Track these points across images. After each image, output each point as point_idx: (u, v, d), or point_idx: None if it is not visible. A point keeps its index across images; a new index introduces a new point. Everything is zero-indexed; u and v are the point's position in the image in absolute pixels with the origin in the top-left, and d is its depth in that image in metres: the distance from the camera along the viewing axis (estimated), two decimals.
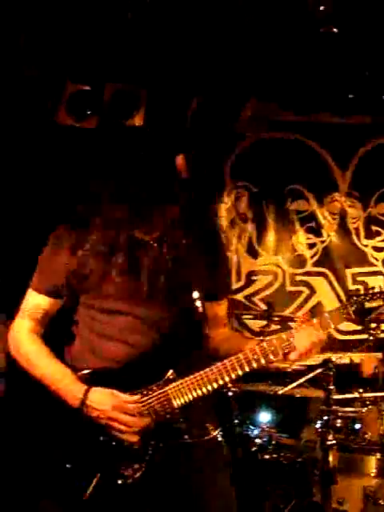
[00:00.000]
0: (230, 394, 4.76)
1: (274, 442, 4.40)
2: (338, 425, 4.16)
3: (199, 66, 5.15)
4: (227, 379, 2.52)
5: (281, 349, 2.54)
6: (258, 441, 4.49)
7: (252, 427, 4.70)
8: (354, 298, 2.62)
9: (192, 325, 2.61)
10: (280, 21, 4.82)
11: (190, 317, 2.60)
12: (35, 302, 2.67)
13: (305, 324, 2.56)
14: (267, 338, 2.58)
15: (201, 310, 2.60)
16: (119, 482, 2.46)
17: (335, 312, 2.58)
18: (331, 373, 3.93)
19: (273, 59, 5.27)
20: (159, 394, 2.50)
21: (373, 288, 2.69)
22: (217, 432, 2.64)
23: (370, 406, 4.25)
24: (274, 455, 4.38)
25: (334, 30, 4.65)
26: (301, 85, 5.67)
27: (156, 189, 2.54)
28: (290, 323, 2.65)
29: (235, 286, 6.24)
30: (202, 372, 2.51)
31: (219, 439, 2.66)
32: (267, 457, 4.38)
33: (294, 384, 4.47)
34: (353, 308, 2.60)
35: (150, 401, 2.49)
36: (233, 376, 2.52)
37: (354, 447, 4.13)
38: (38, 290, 2.66)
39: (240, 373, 2.52)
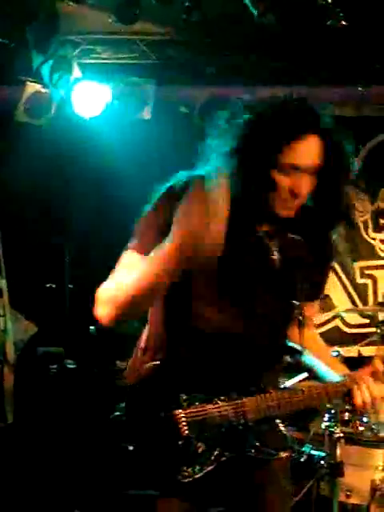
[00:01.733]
0: None
1: None
2: (346, 418, 4.16)
3: None
4: (310, 406, 2.46)
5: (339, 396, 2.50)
6: None
7: None
8: None
9: (286, 334, 2.53)
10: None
11: (288, 325, 2.51)
12: (133, 262, 2.32)
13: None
14: (362, 375, 2.53)
15: (300, 322, 2.48)
16: (178, 477, 2.36)
17: None
18: None
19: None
20: (237, 403, 2.38)
21: None
22: (286, 454, 2.51)
23: None
24: None
25: (343, 23, 4.64)
26: (309, 75, 5.66)
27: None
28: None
29: None
30: (286, 393, 2.42)
31: (287, 462, 2.55)
32: None
33: (301, 376, 4.47)
34: None
35: (225, 407, 2.37)
36: (316, 404, 2.49)
37: (361, 440, 4.13)
38: (139, 251, 2.33)
39: (323, 402, 2.52)
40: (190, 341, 2.39)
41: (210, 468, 2.36)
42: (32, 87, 5.36)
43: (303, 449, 4.32)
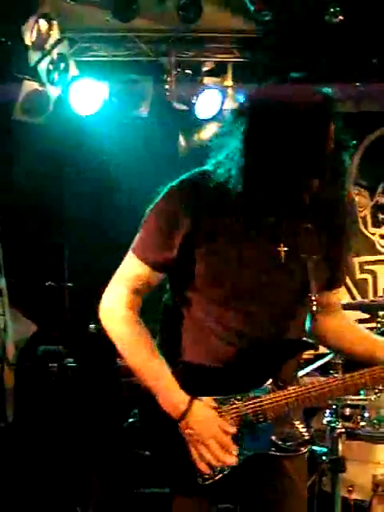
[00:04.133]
0: None
1: None
2: (348, 413, 4.16)
3: None
4: (330, 400, 2.48)
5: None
6: None
7: None
8: None
9: (302, 329, 2.46)
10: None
11: (302, 320, 2.45)
12: (137, 271, 2.34)
13: None
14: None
15: (314, 314, 2.39)
16: (199, 480, 2.30)
17: None
18: (340, 361, 3.92)
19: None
20: (255, 402, 2.31)
21: None
22: (306, 449, 2.45)
23: (379, 394, 4.24)
24: None
25: (340, 17, 4.63)
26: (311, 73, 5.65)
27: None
28: None
29: None
30: (304, 387, 2.34)
31: (306, 454, 2.48)
32: None
33: (303, 372, 4.47)
34: None
35: (243, 408, 2.31)
36: (337, 396, 2.45)
37: (363, 435, 4.13)
38: (144, 259, 2.33)
39: (343, 394, 2.41)
40: (202, 343, 2.35)
41: (230, 469, 2.31)
42: (29, 85, 5.35)
43: None
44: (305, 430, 2.44)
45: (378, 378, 2.38)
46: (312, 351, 2.47)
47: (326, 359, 4.13)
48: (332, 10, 4.64)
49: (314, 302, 2.37)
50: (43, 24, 4.98)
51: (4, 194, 5.26)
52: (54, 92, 5.47)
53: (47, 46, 5.13)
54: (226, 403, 2.31)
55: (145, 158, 5.72)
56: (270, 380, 2.34)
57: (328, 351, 3.99)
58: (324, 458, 4.09)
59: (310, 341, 2.46)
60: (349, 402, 4.11)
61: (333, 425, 3.81)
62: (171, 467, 2.34)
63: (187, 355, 2.36)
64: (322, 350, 4.35)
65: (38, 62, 5.20)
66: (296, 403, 2.32)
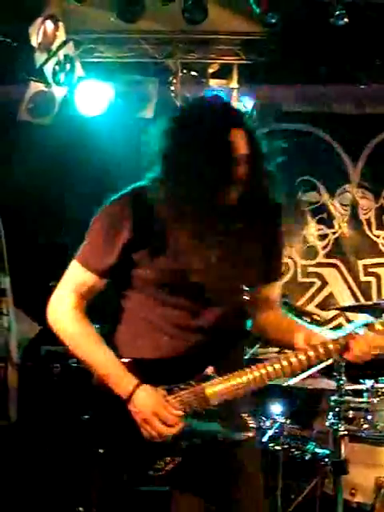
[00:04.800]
0: None
1: (285, 433, 4.40)
2: (350, 415, 4.16)
3: None
4: (267, 381, 2.47)
5: (335, 351, 2.46)
6: (269, 432, 4.49)
7: (264, 418, 4.71)
8: None
9: (240, 318, 2.60)
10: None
11: (239, 310, 2.57)
12: (81, 278, 2.54)
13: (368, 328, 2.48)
14: (323, 341, 2.48)
15: (248, 304, 2.56)
16: (150, 472, 2.44)
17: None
18: (343, 363, 3.92)
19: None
20: (197, 389, 2.45)
21: None
22: (254, 433, 2.55)
23: (382, 397, 4.24)
24: (286, 446, 4.38)
25: (346, 20, 4.64)
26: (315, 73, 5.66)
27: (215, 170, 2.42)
28: (351, 328, 2.54)
29: None
30: (242, 371, 2.46)
31: (255, 440, 2.61)
32: (278, 447, 4.38)
33: (306, 374, 4.47)
34: None
35: (187, 395, 2.45)
36: (274, 377, 2.46)
37: (365, 438, 4.13)
38: (85, 265, 2.53)
39: (281, 374, 2.46)
40: (146, 337, 2.52)
41: (180, 458, 2.44)
42: (35, 86, 5.37)
43: (307, 447, 4.32)
44: (250, 417, 2.54)
45: (313, 358, 2.46)
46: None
47: (329, 362, 4.13)
48: (337, 12, 4.64)
49: (249, 297, 2.56)
50: (49, 25, 4.99)
51: (8, 194, 5.27)
52: (59, 93, 5.48)
53: (53, 48, 5.14)
54: (170, 393, 2.46)
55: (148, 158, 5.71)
56: (211, 368, 2.46)
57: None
58: (326, 460, 4.09)
59: (248, 329, 2.62)
60: (352, 404, 4.12)
61: (336, 427, 3.81)
62: (125, 461, 2.47)
63: (133, 350, 2.52)
64: None
65: (44, 63, 5.21)
66: (237, 388, 2.44)
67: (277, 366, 2.45)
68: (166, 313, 2.51)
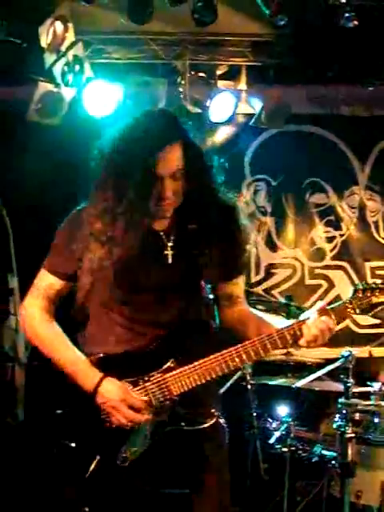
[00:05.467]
0: (249, 386, 4.77)
1: (292, 435, 4.40)
2: (357, 418, 4.16)
3: None
4: (226, 369, 2.62)
5: (290, 336, 2.62)
6: (276, 434, 4.50)
7: (271, 420, 4.71)
8: (360, 293, 2.66)
9: (199, 312, 2.75)
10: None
11: (198, 305, 2.73)
12: (48, 281, 2.79)
13: (317, 313, 2.63)
14: (279, 327, 2.66)
15: (209, 297, 2.73)
16: (118, 462, 2.62)
17: (341, 306, 2.66)
18: (350, 366, 3.92)
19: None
20: (159, 381, 2.63)
21: (377, 283, 2.69)
22: (215, 420, 2.73)
23: None
24: (293, 448, 4.38)
25: (355, 22, 4.63)
26: (323, 75, 5.66)
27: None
28: (304, 314, 2.69)
29: (254, 279, 6.25)
30: (201, 361, 2.61)
31: (219, 425, 2.76)
32: (285, 450, 4.38)
33: (313, 377, 4.47)
34: (359, 303, 2.66)
35: (150, 387, 2.63)
36: (232, 365, 2.62)
37: (372, 440, 4.12)
38: (51, 271, 2.78)
39: (239, 363, 2.62)
40: (110, 334, 2.71)
41: (146, 447, 2.62)
42: (44, 87, 5.38)
43: (314, 449, 4.32)
44: (213, 406, 2.74)
45: (268, 345, 2.62)
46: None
47: (337, 364, 4.13)
48: (347, 14, 4.63)
49: (207, 289, 2.72)
50: (59, 26, 5.00)
51: (16, 194, 5.28)
52: (68, 94, 5.49)
53: (62, 48, 5.15)
54: (135, 385, 2.65)
55: None
56: (172, 359, 2.64)
57: (338, 356, 4.01)
58: (333, 462, 4.09)
59: (208, 321, 2.76)
60: (359, 407, 4.11)
61: (343, 430, 3.82)
62: (93, 451, 2.66)
63: (99, 346, 2.72)
64: (332, 354, 4.39)
65: (53, 63, 5.22)
66: (197, 376, 2.61)
67: (235, 356, 2.61)
68: (121, 309, 2.70)
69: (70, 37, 5.15)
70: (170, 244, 2.72)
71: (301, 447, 4.39)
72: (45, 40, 5.00)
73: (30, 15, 4.88)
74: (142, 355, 2.67)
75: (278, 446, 4.43)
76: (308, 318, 2.63)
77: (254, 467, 4.80)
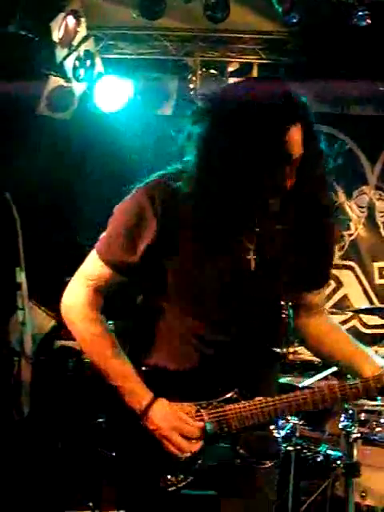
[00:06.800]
0: None
1: (297, 434, 4.39)
2: (363, 418, 4.14)
3: None
4: (295, 412, 2.33)
5: (375, 389, 2.28)
6: (281, 432, 4.48)
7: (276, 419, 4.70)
8: None
9: (274, 339, 2.35)
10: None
11: (275, 327, 2.33)
12: (99, 272, 2.29)
13: None
14: (367, 376, 2.30)
15: (285, 322, 2.32)
16: (162, 485, 2.28)
17: None
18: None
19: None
20: (219, 411, 2.26)
21: None
22: (272, 463, 2.37)
23: None
24: (298, 447, 4.37)
25: (368, 20, 4.62)
26: (334, 74, 5.64)
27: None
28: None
29: None
30: (270, 398, 2.26)
31: (272, 470, 2.41)
32: (290, 449, 4.37)
33: (320, 376, 4.46)
34: None
35: (208, 417, 2.26)
36: (303, 410, 2.28)
37: (378, 441, 4.11)
38: (105, 260, 2.28)
39: (311, 408, 2.27)
40: (169, 348, 2.31)
41: (193, 477, 2.28)
42: (55, 81, 5.38)
43: (320, 448, 4.31)
44: (273, 443, 2.41)
45: (348, 394, 2.27)
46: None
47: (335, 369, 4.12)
48: (360, 13, 4.62)
49: (287, 306, 2.31)
50: (71, 21, 5.00)
51: (25, 189, 5.28)
52: (79, 88, 5.49)
53: (74, 43, 5.15)
54: (188, 412, 2.27)
55: (168, 156, 5.72)
56: (236, 389, 2.28)
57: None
58: (338, 462, 4.08)
59: (279, 351, 2.36)
60: (365, 407, 4.10)
61: (348, 430, 3.80)
62: (137, 471, 2.31)
63: (154, 358, 2.32)
64: None
65: (65, 58, 5.22)
66: (261, 415, 2.25)
67: (308, 398, 2.26)
68: (187, 322, 2.27)
69: (82, 31, 5.15)
70: (251, 247, 2.25)
71: (306, 446, 4.37)
72: (57, 34, 5.00)
73: (42, 9, 4.88)
74: (200, 377, 2.27)
75: (283, 445, 4.42)
76: None
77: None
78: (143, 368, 2.30)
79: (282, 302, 2.30)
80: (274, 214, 2.18)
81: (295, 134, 2.13)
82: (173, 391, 2.28)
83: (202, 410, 2.27)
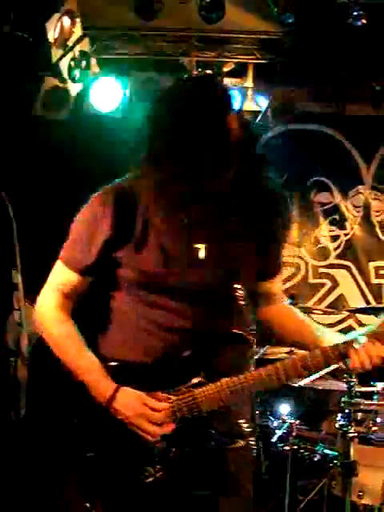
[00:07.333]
0: None
1: (294, 434, 4.40)
2: (359, 417, 4.15)
3: None
4: (263, 389, 2.38)
5: (335, 357, 2.36)
6: (278, 432, 4.49)
7: (272, 418, 4.71)
8: None
9: (233, 321, 2.43)
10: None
11: (232, 312, 2.42)
12: (64, 276, 2.47)
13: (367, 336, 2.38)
14: (323, 348, 2.39)
15: (244, 305, 2.41)
16: (140, 477, 2.34)
17: None
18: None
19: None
20: (188, 396, 2.34)
21: None
22: (247, 440, 2.43)
23: None
24: (294, 447, 4.37)
25: (364, 20, 4.62)
26: (330, 74, 5.65)
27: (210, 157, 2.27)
28: (353, 335, 2.46)
29: None
30: (235, 378, 2.34)
31: (250, 446, 2.46)
32: (287, 448, 4.38)
33: (316, 375, 4.46)
34: None
35: (178, 403, 2.34)
36: (270, 386, 2.36)
37: (375, 440, 4.12)
38: (68, 264, 2.46)
39: (277, 383, 2.35)
40: (133, 340, 2.42)
41: (171, 465, 2.34)
42: (50, 82, 5.37)
43: (316, 448, 4.32)
44: (246, 423, 2.43)
45: (310, 365, 2.36)
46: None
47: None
48: (355, 13, 4.62)
49: (242, 293, 2.40)
50: (66, 21, 4.99)
51: (21, 189, 5.27)
52: (74, 89, 5.49)
53: (69, 43, 5.14)
54: (155, 397, 2.36)
55: None
56: (202, 373, 2.35)
57: None
58: (335, 461, 4.09)
59: (242, 333, 2.42)
60: (362, 406, 4.11)
61: (345, 429, 3.81)
62: (115, 465, 2.37)
63: (119, 353, 2.42)
64: None
65: (60, 58, 5.22)
66: (230, 395, 2.33)
67: (272, 373, 2.34)
68: (150, 313, 2.39)
69: (77, 32, 5.14)
70: (201, 236, 2.38)
71: (302, 446, 4.39)
72: (52, 35, 4.99)
73: (36, 9, 4.88)
74: (167, 366, 2.36)
75: (280, 445, 4.42)
76: (356, 340, 2.36)
77: (255, 466, 4.79)
78: (110, 364, 2.40)
79: (239, 290, 2.40)
80: (220, 203, 2.32)
81: (233, 122, 2.31)
82: (142, 383, 2.36)
83: (171, 397, 2.35)
